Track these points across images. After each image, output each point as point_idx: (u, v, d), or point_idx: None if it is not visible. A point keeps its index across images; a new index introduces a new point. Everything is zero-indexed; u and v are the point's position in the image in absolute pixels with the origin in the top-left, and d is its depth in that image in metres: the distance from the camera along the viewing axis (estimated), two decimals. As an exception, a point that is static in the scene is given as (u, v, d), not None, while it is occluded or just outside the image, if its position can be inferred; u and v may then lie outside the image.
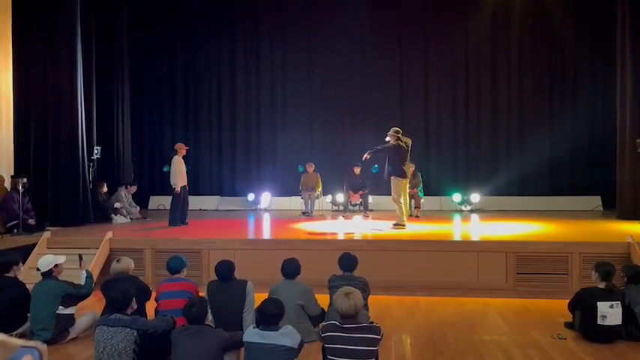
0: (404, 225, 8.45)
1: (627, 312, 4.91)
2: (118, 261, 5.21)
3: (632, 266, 5.56)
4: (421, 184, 10.86)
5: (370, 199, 11.28)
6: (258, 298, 4.36)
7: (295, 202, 12.26)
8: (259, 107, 13.31)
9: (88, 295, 5.24)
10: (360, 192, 10.95)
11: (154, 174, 13.22)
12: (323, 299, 5.03)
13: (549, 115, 12.32)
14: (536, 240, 7.33)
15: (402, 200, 8.49)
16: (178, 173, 9.06)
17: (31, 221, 8.56)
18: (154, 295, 4.99)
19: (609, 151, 10.64)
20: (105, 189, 10.60)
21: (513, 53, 12.44)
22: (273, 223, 10.11)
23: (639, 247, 6.56)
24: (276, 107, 13.27)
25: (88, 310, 5.40)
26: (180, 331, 3.82)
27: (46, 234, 7.85)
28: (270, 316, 3.67)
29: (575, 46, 12.21)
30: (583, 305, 5.00)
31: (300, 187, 11.36)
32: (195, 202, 11.37)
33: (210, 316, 4.38)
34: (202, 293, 4.75)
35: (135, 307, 4.24)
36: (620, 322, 4.86)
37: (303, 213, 11.08)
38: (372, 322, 3.82)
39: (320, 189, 11.42)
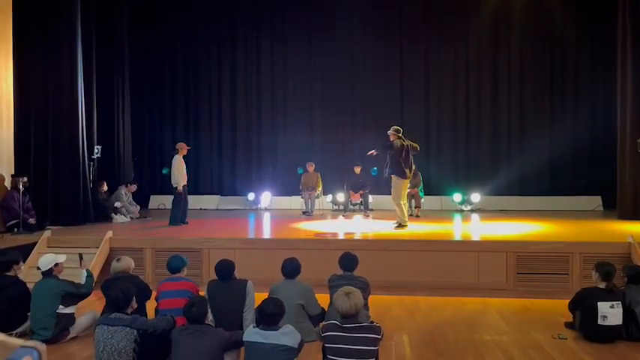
0: (406, 225, 8.44)
1: (628, 312, 4.91)
2: (118, 260, 5.21)
3: (633, 266, 5.56)
4: (422, 184, 10.86)
5: (370, 198, 11.28)
6: (259, 297, 4.36)
7: (296, 202, 12.26)
8: (260, 107, 13.30)
9: (89, 295, 5.23)
10: (361, 191, 10.95)
11: (154, 173, 13.22)
12: (323, 299, 5.03)
13: (550, 115, 12.31)
14: (537, 240, 7.34)
15: (401, 201, 8.47)
16: (179, 172, 9.07)
17: (32, 220, 8.56)
18: (154, 294, 4.99)
19: (610, 151, 10.65)
20: (105, 188, 10.61)
21: (514, 53, 12.42)
22: (273, 223, 10.10)
23: (639, 247, 6.57)
24: (276, 107, 13.27)
25: (88, 310, 5.40)
26: (180, 330, 3.82)
27: (47, 233, 7.85)
28: (270, 315, 3.67)
29: (575, 47, 12.21)
30: (583, 305, 5.00)
31: (301, 187, 11.36)
32: (195, 202, 11.37)
33: (210, 316, 4.38)
34: (202, 292, 4.75)
35: (135, 306, 4.24)
36: (620, 323, 4.86)
37: (304, 212, 11.08)
38: (372, 322, 3.81)
39: (320, 188, 11.43)
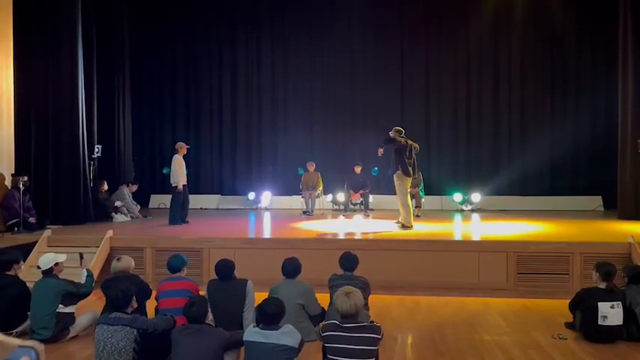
0: (411, 226, 8.41)
1: (628, 312, 4.90)
2: (118, 260, 5.22)
3: (633, 266, 5.55)
4: (422, 184, 10.85)
5: (371, 198, 11.29)
6: (259, 297, 4.36)
7: (296, 202, 12.26)
8: (260, 107, 13.29)
9: (89, 294, 5.23)
10: (361, 191, 10.95)
11: (154, 173, 13.22)
12: (323, 298, 5.03)
13: (551, 115, 12.30)
14: (537, 240, 7.33)
15: (408, 201, 8.47)
16: (179, 172, 9.08)
17: (32, 219, 8.56)
18: (154, 293, 4.98)
19: (610, 151, 10.64)
20: (105, 187, 10.61)
21: (515, 53, 12.41)
22: (273, 223, 10.10)
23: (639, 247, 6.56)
24: (277, 107, 13.26)
25: (88, 309, 5.40)
26: (180, 330, 3.82)
27: (47, 232, 7.85)
28: (270, 315, 3.66)
29: (576, 46, 12.20)
30: (584, 305, 4.99)
31: (301, 187, 11.36)
32: (195, 201, 11.37)
33: (210, 315, 4.38)
34: (202, 292, 4.75)
35: (135, 305, 4.23)
36: (620, 323, 4.85)
37: (304, 212, 11.08)
38: (372, 322, 3.81)
39: (321, 188, 11.43)
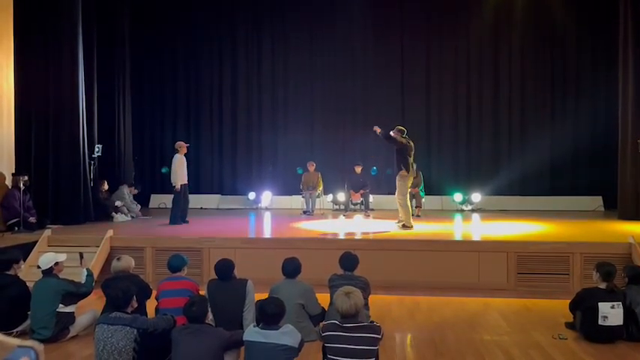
0: (411, 226, 8.41)
1: (628, 312, 4.91)
2: (118, 259, 5.22)
3: (633, 266, 5.56)
4: (422, 184, 10.85)
5: (371, 198, 11.28)
6: (259, 297, 4.36)
7: (296, 201, 12.25)
8: (260, 106, 13.28)
9: (89, 294, 5.23)
10: (361, 191, 10.95)
11: (154, 172, 13.21)
12: (323, 298, 5.03)
13: (551, 115, 12.30)
14: (538, 240, 7.33)
15: (407, 202, 8.47)
16: (179, 171, 9.08)
17: (32, 219, 8.56)
18: (154, 293, 4.98)
19: (611, 151, 10.63)
20: (106, 187, 10.61)
21: (515, 52, 12.40)
22: (273, 222, 10.10)
23: (640, 247, 6.56)
24: (277, 106, 13.25)
25: (88, 309, 5.40)
26: (180, 329, 3.82)
27: (47, 232, 7.85)
28: (270, 315, 3.66)
29: (576, 46, 12.19)
30: (584, 305, 4.99)
31: (301, 186, 11.36)
32: (196, 201, 11.36)
33: (210, 315, 4.38)
34: (203, 292, 4.75)
35: (135, 305, 4.24)
36: (621, 323, 4.85)
37: (304, 212, 11.08)
38: (372, 322, 3.81)
39: (321, 188, 11.43)
